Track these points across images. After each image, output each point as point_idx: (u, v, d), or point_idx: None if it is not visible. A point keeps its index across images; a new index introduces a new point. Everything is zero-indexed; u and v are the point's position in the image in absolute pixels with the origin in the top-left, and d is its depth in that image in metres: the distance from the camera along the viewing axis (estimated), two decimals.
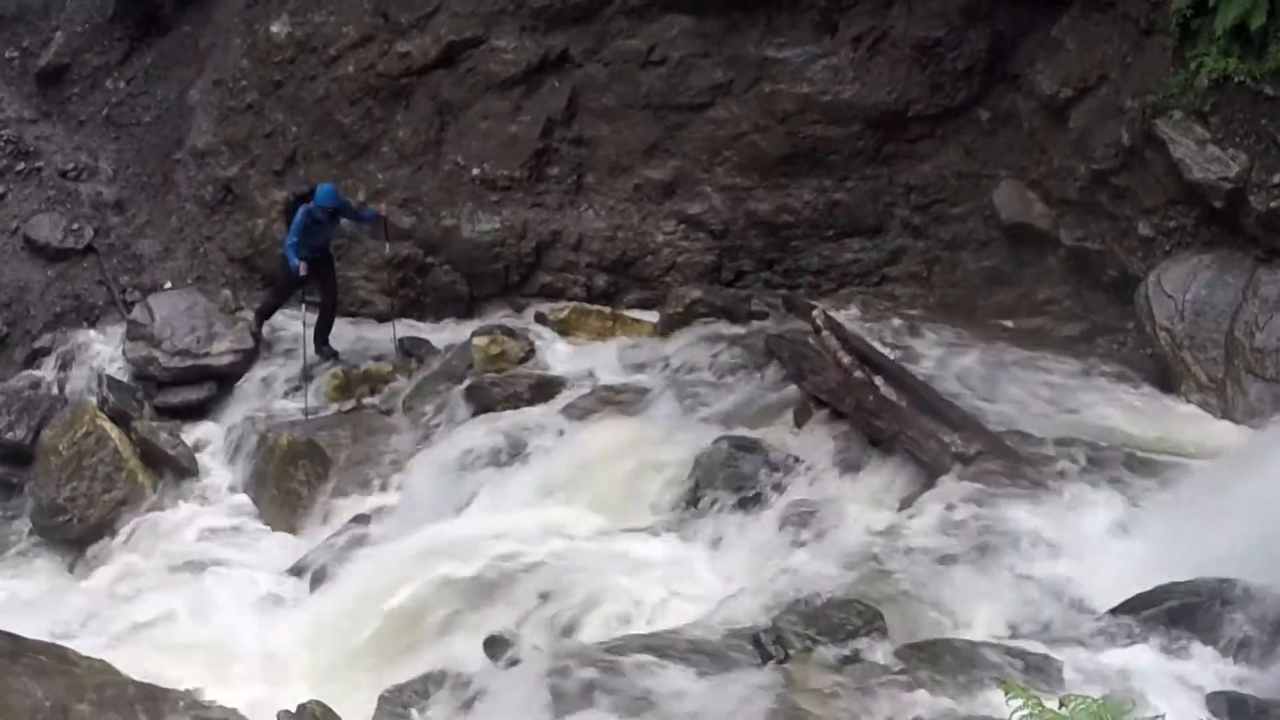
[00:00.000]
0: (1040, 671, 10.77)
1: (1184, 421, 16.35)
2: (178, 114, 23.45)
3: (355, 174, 21.95)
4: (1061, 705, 5.06)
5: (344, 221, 20.54)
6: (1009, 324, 19.17)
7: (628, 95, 20.91)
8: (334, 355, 20.37)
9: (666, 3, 20.67)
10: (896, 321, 18.97)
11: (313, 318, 20.42)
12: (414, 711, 13.10)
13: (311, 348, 20.30)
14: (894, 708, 10.46)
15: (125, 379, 20.63)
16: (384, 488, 17.91)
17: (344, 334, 21.03)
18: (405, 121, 21.86)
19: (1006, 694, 5.02)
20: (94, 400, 20.04)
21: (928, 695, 10.55)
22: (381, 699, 13.30)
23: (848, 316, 18.69)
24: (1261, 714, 10.36)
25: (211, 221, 22.78)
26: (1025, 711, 4.89)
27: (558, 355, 19.33)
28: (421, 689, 13.27)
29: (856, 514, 14.38)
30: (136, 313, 21.20)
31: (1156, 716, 5.09)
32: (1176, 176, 17.41)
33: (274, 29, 22.42)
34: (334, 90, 22.06)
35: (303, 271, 19.75)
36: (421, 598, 14.75)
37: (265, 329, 21.00)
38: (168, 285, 22.09)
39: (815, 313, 17.62)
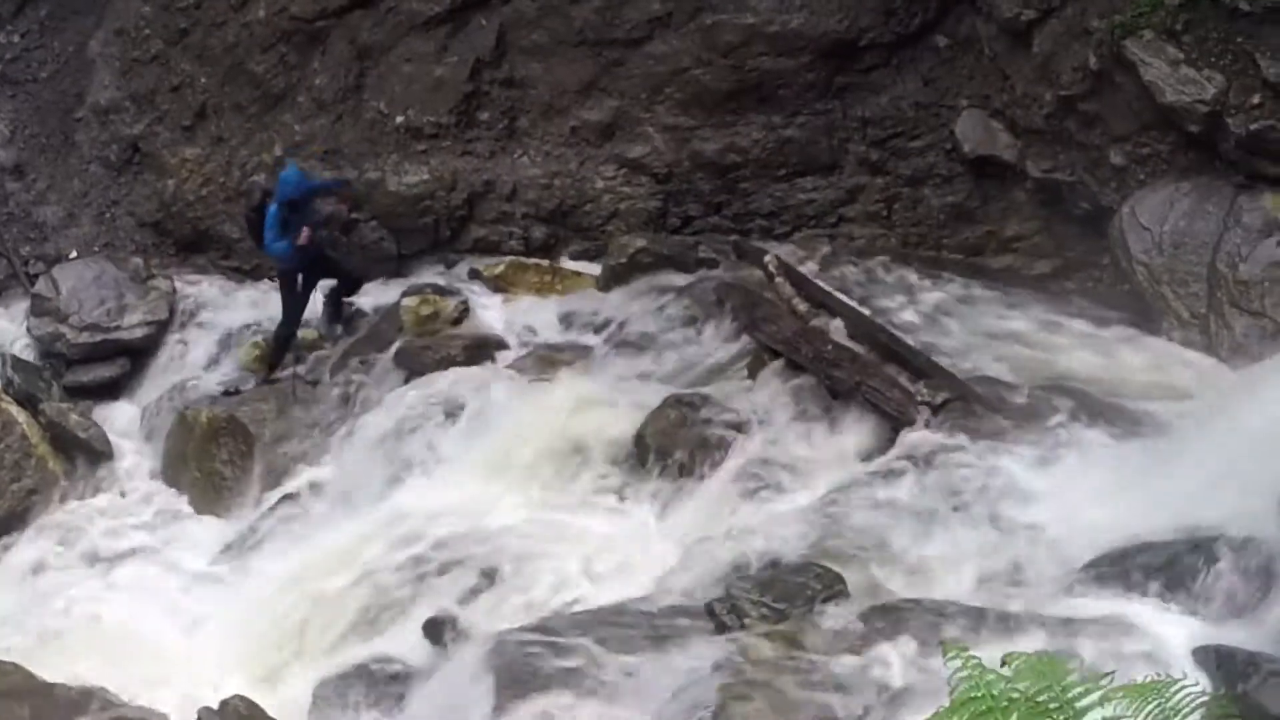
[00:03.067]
0: (1008, 630, 10.89)
1: (1165, 361, 16.42)
2: (77, 68, 23.27)
3: (270, 126, 21.87)
4: (1004, 663, 5.14)
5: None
6: (976, 263, 19.24)
7: (560, 31, 20.85)
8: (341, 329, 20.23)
9: None
10: (855, 264, 19.02)
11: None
12: (352, 701, 13.17)
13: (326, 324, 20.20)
14: (854, 676, 10.57)
15: (31, 358, 20.48)
16: (312, 464, 17.85)
17: (265, 299, 20.99)
18: (322, 68, 21.77)
19: (945, 655, 5.09)
20: None
21: (890, 660, 10.67)
22: (317, 690, 13.38)
23: (802, 261, 18.71)
24: (1251, 666, 10.42)
25: (118, 184, 22.66)
26: (965, 674, 4.97)
27: (494, 314, 19.27)
28: (359, 677, 13.38)
29: (816, 471, 14.50)
30: (40, 285, 21.07)
31: (1107, 674, 5.14)
32: (1149, 100, 17.46)
33: None
34: (245, 37, 21.93)
35: (304, 239, 19.13)
36: (356, 581, 14.81)
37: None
38: (73, 255, 21.96)
39: (768, 258, 17.72)
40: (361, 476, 16.92)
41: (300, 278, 19.57)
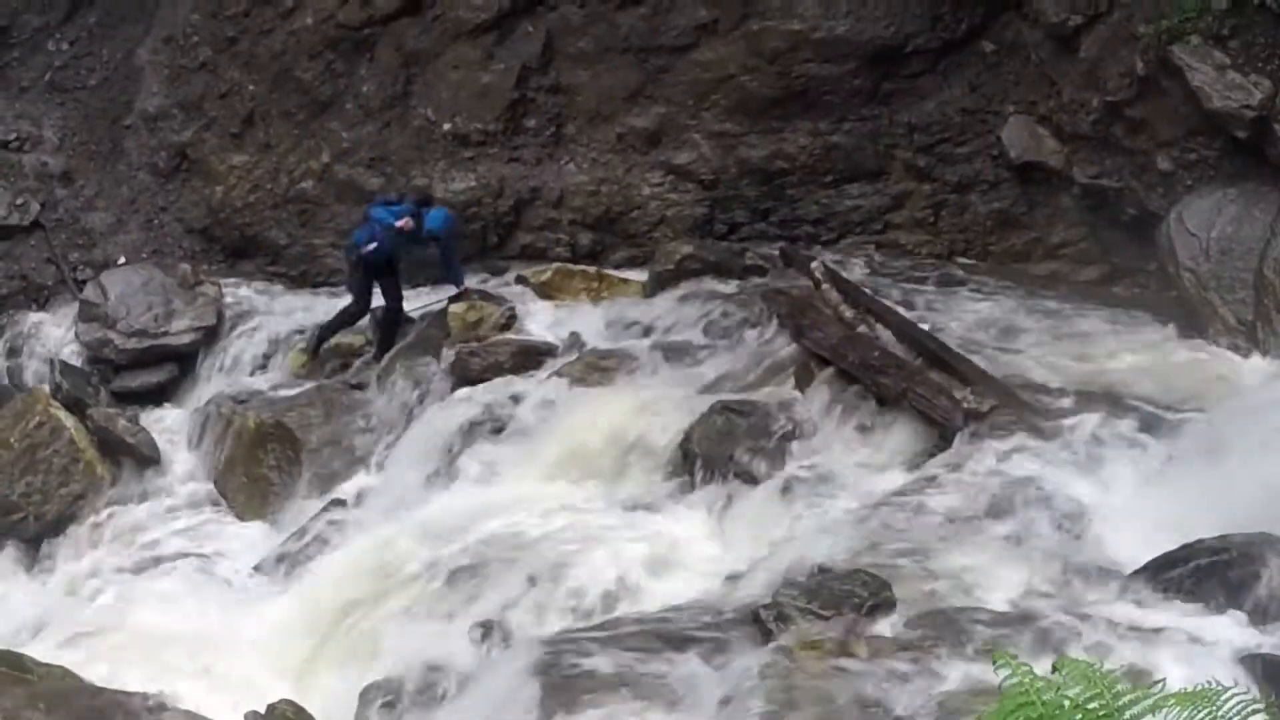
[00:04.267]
0: (1057, 638, 10.86)
1: (1212, 368, 16.37)
2: (126, 76, 23.40)
3: (318, 133, 21.95)
4: (1054, 669, 5.12)
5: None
6: (1022, 269, 19.20)
7: (606, 38, 20.90)
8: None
9: None
10: (902, 271, 19.01)
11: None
12: (398, 706, 13.17)
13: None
14: (901, 684, 10.54)
15: (79, 363, 20.59)
16: (360, 470, 17.91)
17: (313, 304, 21.07)
18: (370, 75, 21.85)
19: (994, 663, 5.07)
20: (46, 388, 19.90)
21: (937, 669, 10.64)
22: (363, 694, 13.39)
23: (849, 267, 18.71)
24: None
25: (166, 190, 22.78)
26: (1014, 680, 4.96)
27: (541, 320, 19.28)
28: (405, 682, 13.34)
29: (863, 478, 14.50)
30: (89, 291, 21.17)
31: (1157, 682, 5.12)
32: (1195, 106, 17.43)
33: None
34: (292, 44, 22.04)
35: (405, 225, 19.57)
36: (402, 586, 14.83)
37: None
38: (121, 260, 22.06)
39: (814, 265, 17.69)
40: (409, 482, 16.97)
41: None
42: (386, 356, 19.35)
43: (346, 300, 20.28)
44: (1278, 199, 17.06)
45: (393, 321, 19.72)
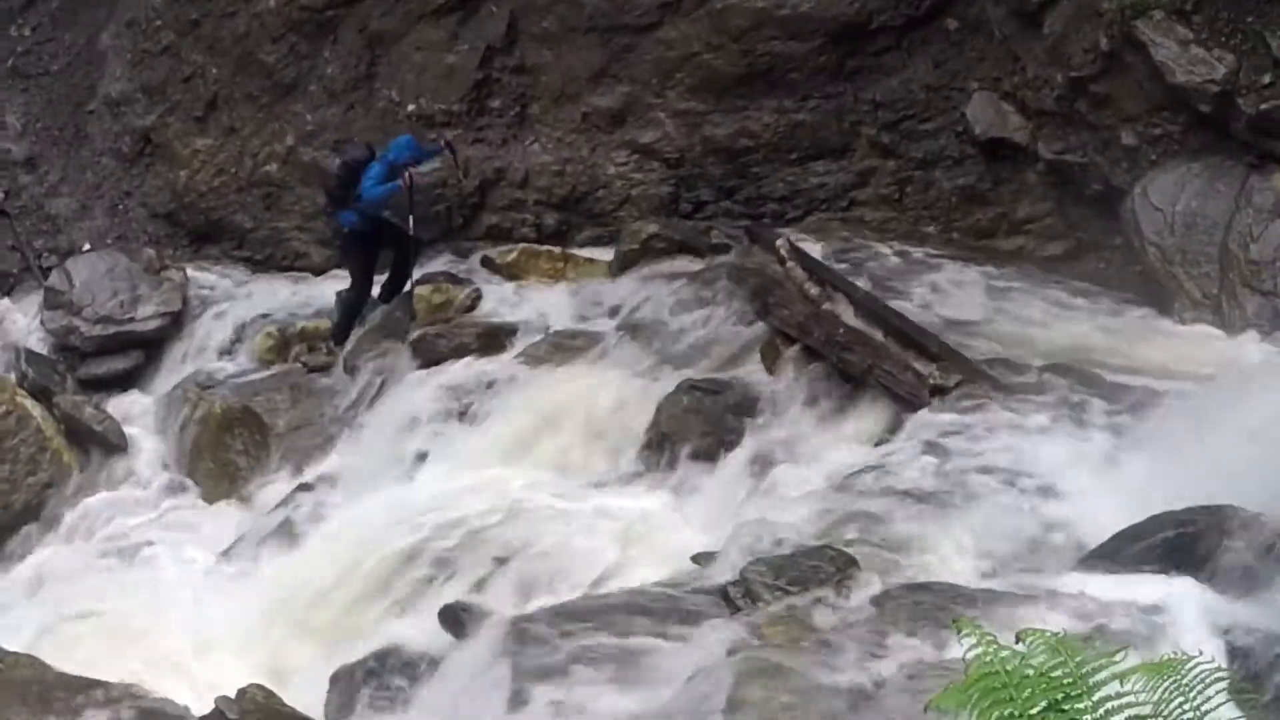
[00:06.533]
0: (1022, 611, 10.86)
1: (1178, 341, 16.41)
2: (89, 60, 23.32)
3: (282, 116, 21.90)
4: (1019, 640, 5.14)
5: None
6: (988, 245, 19.23)
7: (570, 18, 20.84)
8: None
9: None
10: (868, 248, 19.01)
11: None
12: (368, 690, 13.17)
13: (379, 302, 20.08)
14: (869, 659, 10.55)
15: (45, 351, 20.55)
16: (328, 453, 17.91)
17: (279, 288, 21.04)
18: (333, 57, 21.79)
19: (959, 631, 5.08)
20: (12, 376, 19.87)
21: (903, 643, 10.65)
22: (333, 679, 13.39)
23: (815, 245, 18.69)
24: (1266, 645, 10.44)
25: (131, 175, 22.72)
26: (979, 650, 4.96)
27: (507, 301, 19.21)
28: (375, 666, 13.34)
29: (829, 454, 14.50)
30: (54, 278, 21.10)
31: (1121, 649, 5.13)
32: (1160, 81, 17.46)
33: None
34: (255, 27, 21.96)
35: (413, 179, 19.25)
36: (372, 569, 14.84)
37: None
38: (86, 247, 22.02)
39: (780, 242, 17.68)
40: (376, 465, 16.98)
41: (365, 248, 19.76)
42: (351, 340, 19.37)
43: (309, 282, 20.38)
44: (1242, 173, 17.10)
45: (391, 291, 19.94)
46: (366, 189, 19.16)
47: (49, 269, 21.56)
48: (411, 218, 19.56)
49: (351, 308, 19.81)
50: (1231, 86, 16.92)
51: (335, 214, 19.75)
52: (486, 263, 20.23)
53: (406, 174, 19.00)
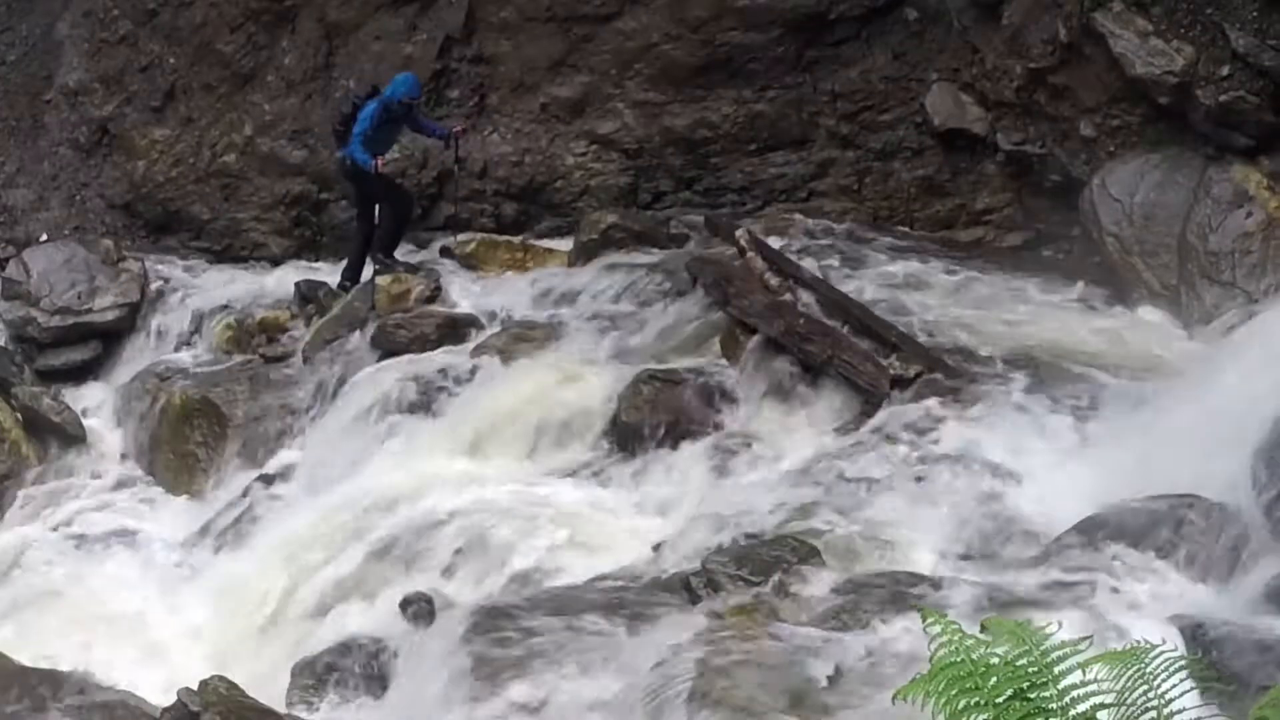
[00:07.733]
0: (985, 599, 10.93)
1: (1137, 332, 16.44)
2: (45, 50, 23.19)
3: (240, 106, 21.82)
4: (982, 629, 5.15)
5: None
6: (947, 235, 19.27)
7: (529, 7, 20.78)
8: (401, 265, 19.68)
9: None
10: (827, 238, 19.01)
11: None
12: (328, 683, 13.16)
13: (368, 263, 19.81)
14: (831, 647, 10.59)
15: (2, 342, 20.40)
16: (287, 445, 17.82)
17: (237, 278, 20.98)
18: (291, 47, 21.72)
19: (924, 620, 5.09)
20: None
21: (867, 632, 10.70)
22: (294, 670, 13.37)
23: (774, 235, 18.70)
24: (1223, 632, 10.50)
25: (88, 166, 22.61)
26: (944, 639, 4.97)
27: (466, 292, 19.15)
28: (335, 658, 13.33)
29: (790, 444, 14.52)
30: (10, 270, 20.97)
31: (1084, 638, 5.15)
32: (1118, 72, 17.50)
33: None
34: (213, 16, 21.87)
35: (380, 167, 18.96)
36: (331, 560, 14.80)
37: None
38: (43, 238, 21.91)
39: (739, 232, 17.69)
40: (336, 456, 16.87)
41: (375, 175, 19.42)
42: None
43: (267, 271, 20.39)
44: (1200, 165, 17.15)
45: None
46: (357, 130, 19.05)
47: (5, 260, 21.41)
48: (378, 206, 19.51)
49: (361, 242, 19.91)
50: (1190, 78, 16.96)
51: (340, 150, 19.62)
52: (446, 253, 20.19)
53: (377, 160, 18.83)
